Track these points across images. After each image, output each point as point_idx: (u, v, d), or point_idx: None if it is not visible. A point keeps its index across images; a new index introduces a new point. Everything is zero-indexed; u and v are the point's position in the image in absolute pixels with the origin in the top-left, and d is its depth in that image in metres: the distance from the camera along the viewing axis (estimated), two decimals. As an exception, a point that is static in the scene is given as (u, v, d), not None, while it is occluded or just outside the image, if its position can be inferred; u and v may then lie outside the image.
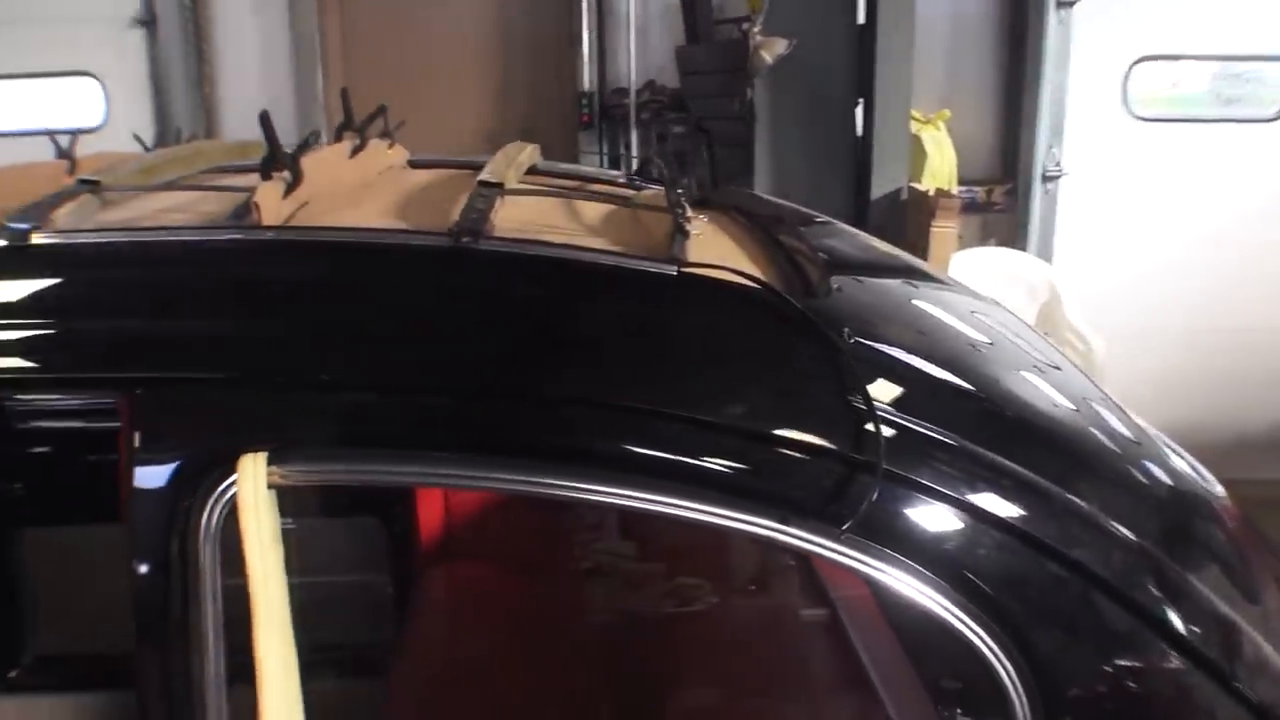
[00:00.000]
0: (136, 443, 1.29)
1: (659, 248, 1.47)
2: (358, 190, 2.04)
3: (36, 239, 1.49)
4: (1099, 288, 5.45)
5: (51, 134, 2.34)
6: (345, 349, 1.36)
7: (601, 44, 5.73)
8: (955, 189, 5.48)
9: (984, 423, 1.32)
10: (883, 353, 1.35)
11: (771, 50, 5.00)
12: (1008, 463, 1.23)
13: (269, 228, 1.48)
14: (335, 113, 5.99)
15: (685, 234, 1.49)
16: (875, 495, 1.14)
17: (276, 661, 1.22)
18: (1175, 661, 1.24)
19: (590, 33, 5.60)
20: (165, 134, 5.83)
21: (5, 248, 1.46)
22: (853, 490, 1.16)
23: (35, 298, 1.47)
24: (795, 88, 4.97)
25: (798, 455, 1.21)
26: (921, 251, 4.43)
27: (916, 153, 5.31)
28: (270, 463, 1.22)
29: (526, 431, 1.28)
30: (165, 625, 1.25)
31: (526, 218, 1.68)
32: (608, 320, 1.40)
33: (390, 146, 2.62)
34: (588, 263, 1.44)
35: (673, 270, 1.38)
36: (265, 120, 1.68)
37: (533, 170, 2.56)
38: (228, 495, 1.23)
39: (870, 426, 1.17)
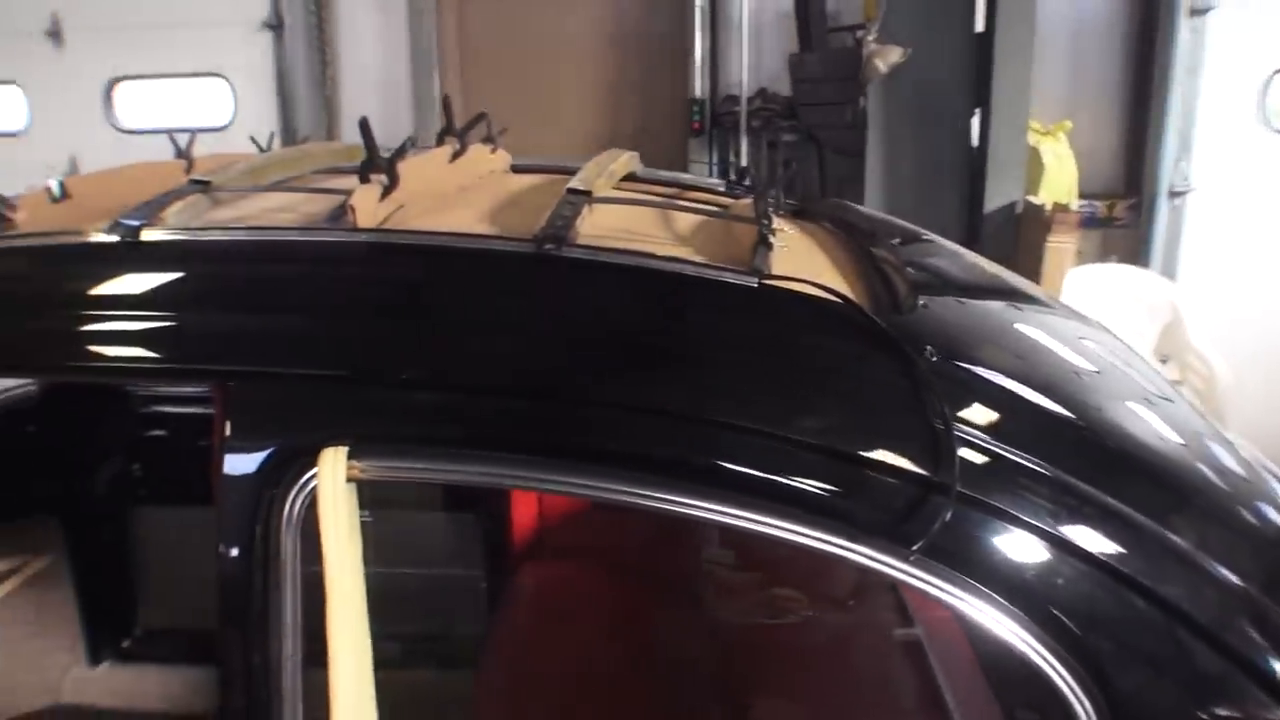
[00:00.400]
0: (228, 431, 1.34)
1: (745, 259, 1.45)
2: (455, 194, 2.08)
3: (146, 235, 1.56)
4: (1227, 310, 5.21)
5: (173, 134, 2.43)
6: (426, 349, 1.38)
7: (714, 51, 5.71)
8: (1075, 203, 5.31)
9: (1078, 452, 1.27)
10: (969, 373, 1.32)
11: (885, 58, 4.92)
12: (1101, 495, 1.19)
13: (362, 230, 1.52)
14: (453, 115, 6.13)
15: (769, 245, 1.48)
16: (947, 517, 1.12)
17: (349, 648, 1.26)
18: (1275, 713, 1.17)
19: (703, 39, 5.59)
20: (288, 133, 6.04)
21: (118, 243, 1.54)
22: (925, 511, 1.14)
23: (143, 290, 1.54)
24: (909, 96, 4.88)
25: (869, 472, 1.19)
26: (1035, 267, 4.31)
27: (1034, 165, 5.16)
28: (350, 457, 1.26)
29: (598, 438, 1.28)
30: (246, 607, 1.30)
31: (615, 225, 1.68)
32: (685, 329, 1.39)
33: (493, 151, 2.66)
34: (668, 271, 1.42)
35: (754, 282, 1.37)
36: (364, 126, 1.72)
37: (631, 177, 2.58)
38: (310, 486, 1.27)
39: (946, 447, 1.15)
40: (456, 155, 2.25)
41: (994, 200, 4.81)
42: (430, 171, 2.12)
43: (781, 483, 1.20)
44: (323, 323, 1.44)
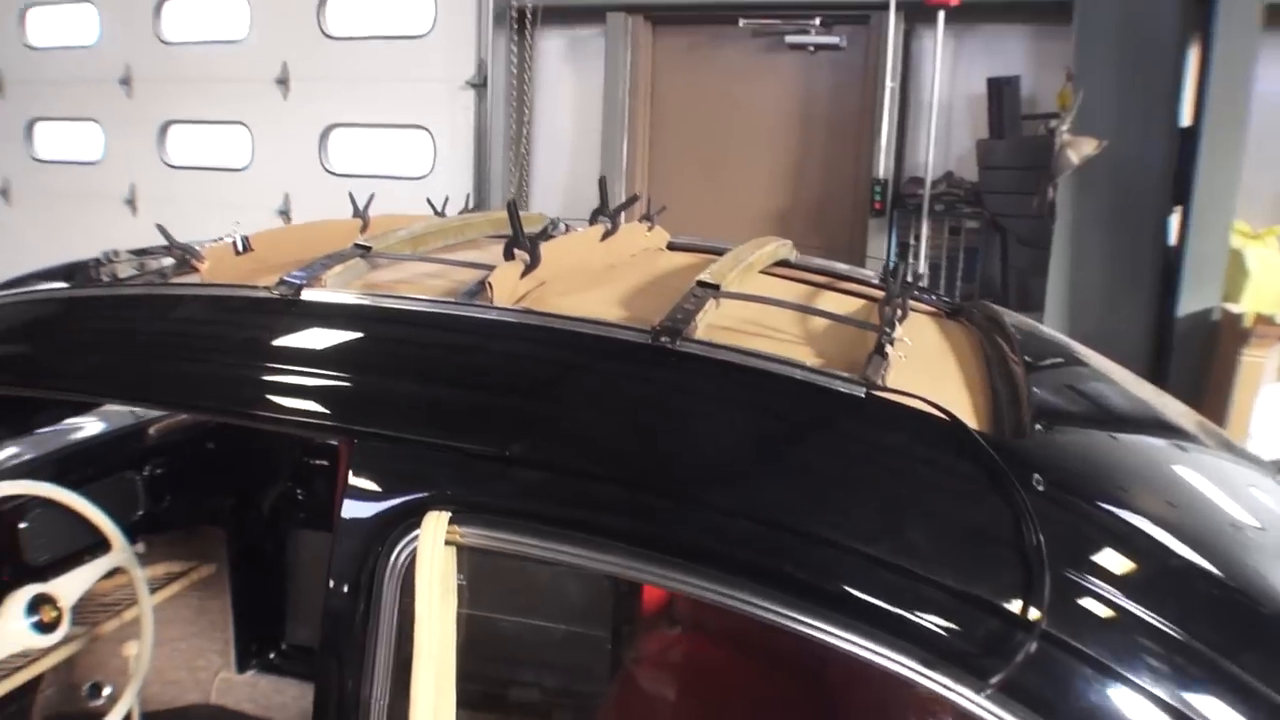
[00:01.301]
0: (348, 481, 1.43)
1: (863, 363, 1.43)
2: (601, 272, 2.14)
3: (305, 294, 1.68)
4: None
5: (355, 203, 2.58)
6: (536, 428, 1.43)
7: (901, 131, 5.66)
8: (1280, 314, 4.97)
9: (1209, 613, 1.17)
10: (1084, 509, 1.25)
11: (1079, 150, 4.76)
12: (1230, 665, 1.09)
13: (494, 307, 1.61)
14: (636, 178, 6.29)
15: (884, 355, 1.46)
16: (1029, 654, 1.05)
17: (428, 701, 1.31)
18: None
19: (890, 120, 5.54)
20: (480, 187, 6.31)
21: (280, 299, 1.68)
22: (1008, 646, 1.07)
23: (294, 345, 1.67)
24: (1103, 190, 4.70)
25: (953, 599, 1.13)
26: (1228, 382, 4.04)
27: (1237, 270, 4.85)
28: (453, 522, 1.32)
29: (688, 534, 1.28)
30: (344, 644, 1.38)
31: (745, 315, 1.70)
32: (785, 433, 1.38)
33: (649, 229, 2.71)
34: (776, 373, 1.42)
35: (861, 391, 1.35)
36: (511, 208, 1.81)
37: (784, 263, 2.58)
38: (413, 545, 1.34)
39: (1037, 582, 1.09)
40: (607, 235, 2.32)
41: (1188, 305, 4.55)
42: (578, 250, 2.20)
43: (861, 598, 1.16)
44: (443, 393, 1.53)
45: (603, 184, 2.42)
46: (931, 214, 5.54)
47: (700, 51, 6.11)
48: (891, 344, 1.50)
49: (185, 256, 1.97)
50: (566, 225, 3.15)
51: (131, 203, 7.87)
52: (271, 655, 2.90)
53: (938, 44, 5.46)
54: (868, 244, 5.61)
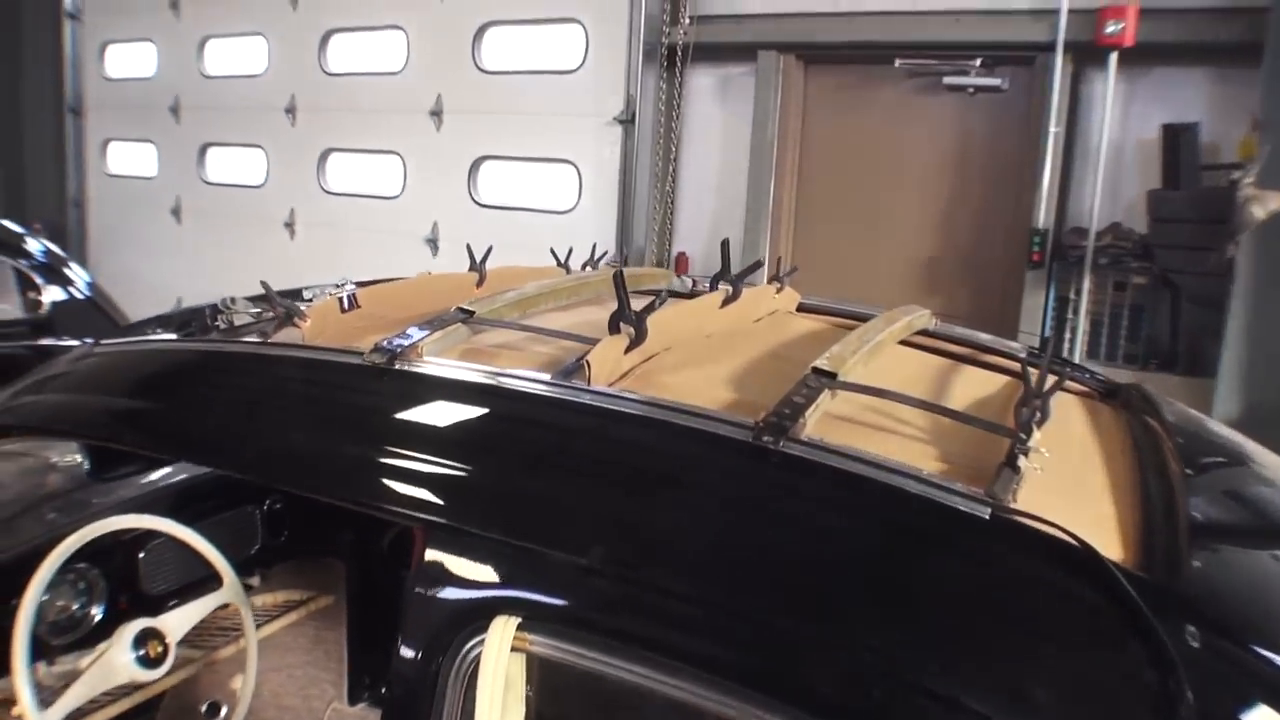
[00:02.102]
0: (419, 567, 1.38)
1: (991, 472, 1.28)
2: (720, 342, 2.02)
3: (399, 363, 1.62)
4: None
5: (469, 254, 2.53)
6: (619, 534, 1.33)
7: (1064, 179, 5.35)
8: None
9: None
10: (1251, 669, 1.07)
11: (1265, 205, 4.41)
12: None
13: (588, 390, 1.52)
14: (782, 221, 6.16)
15: (1015, 469, 1.29)
16: None
17: None
18: None
19: (1053, 166, 5.25)
20: (624, 222, 6.28)
21: (370, 368, 1.63)
22: None
23: (379, 419, 1.62)
24: (1289, 249, 4.34)
25: None
26: None
27: None
28: (521, 628, 1.25)
29: (777, 668, 1.16)
30: None
31: (866, 401, 1.58)
32: (892, 559, 1.24)
33: (779, 291, 2.58)
34: (888, 485, 1.28)
35: (985, 512, 1.20)
36: (618, 279, 1.71)
37: (924, 332, 2.41)
38: (479, 648, 1.28)
39: None
40: (729, 300, 2.20)
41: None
42: (694, 318, 2.08)
43: None
44: (524, 484, 1.43)
45: (725, 247, 2.30)
46: (1095, 267, 5.22)
47: (852, 91, 5.95)
48: (1026, 454, 1.33)
49: (288, 314, 1.95)
50: (694, 281, 3.04)
51: (290, 226, 8.16)
52: (384, 690, 2.89)
53: (1108, 87, 5.17)
54: (1024, 297, 5.33)
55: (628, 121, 6.36)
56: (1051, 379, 1.54)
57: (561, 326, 1.96)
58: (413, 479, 1.46)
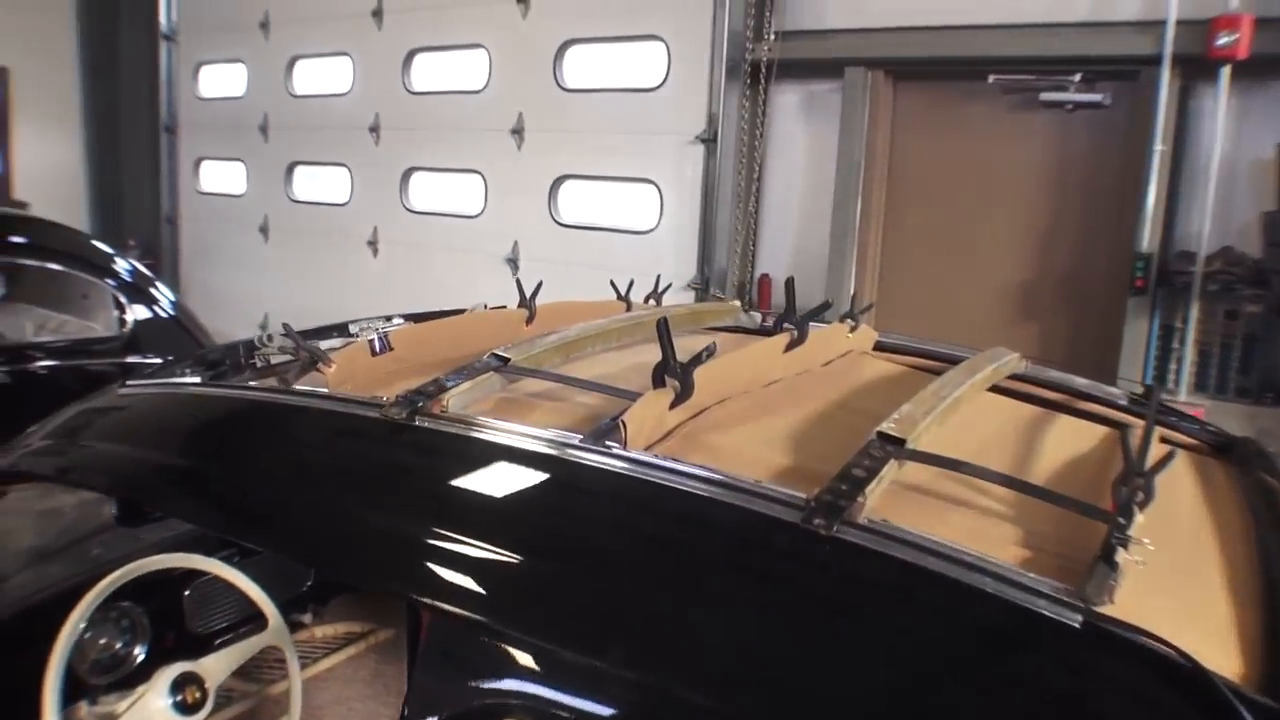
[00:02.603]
0: (423, 652, 1.28)
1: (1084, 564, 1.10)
2: (780, 394, 1.86)
3: (419, 419, 1.50)
4: None
5: (518, 289, 2.42)
6: (642, 630, 1.18)
7: (1170, 200, 5.05)
8: None
9: None
10: None
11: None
12: None
13: (622, 455, 1.38)
14: (869, 243, 5.95)
15: (1112, 565, 1.11)
16: None
17: None
18: None
19: (1158, 186, 4.95)
20: (706, 242, 6.14)
21: (385, 423, 1.51)
22: None
23: (388, 483, 1.49)
24: None
25: None
26: None
27: None
28: None
29: None
30: None
31: (936, 472, 1.39)
32: (959, 672, 1.07)
33: (852, 330, 2.41)
34: (958, 584, 1.11)
35: (1074, 620, 1.03)
36: (662, 327, 1.56)
37: (1014, 377, 2.23)
38: None
39: None
40: (793, 345, 2.04)
41: None
42: (752, 366, 1.92)
43: None
44: (538, 569, 1.28)
45: (789, 286, 2.14)
46: (1203, 294, 4.91)
47: (944, 109, 5.72)
48: (1125, 546, 1.15)
49: (312, 358, 1.85)
50: (765, 316, 2.88)
51: (373, 244, 8.19)
52: None
53: (1220, 102, 4.86)
54: (1125, 326, 5.03)
55: (710, 140, 6.22)
56: (1157, 449, 1.34)
57: (609, 372, 1.82)
58: (419, 556, 1.34)
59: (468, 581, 1.28)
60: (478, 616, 1.26)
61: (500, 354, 1.77)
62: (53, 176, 9.91)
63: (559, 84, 6.96)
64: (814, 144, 6.19)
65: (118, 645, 2.31)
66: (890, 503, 1.28)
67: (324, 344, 2.10)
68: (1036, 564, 1.18)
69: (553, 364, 1.89)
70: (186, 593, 2.36)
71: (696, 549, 1.27)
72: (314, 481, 1.56)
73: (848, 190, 5.89)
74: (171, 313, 5.81)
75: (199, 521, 1.84)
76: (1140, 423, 2.07)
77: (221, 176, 9.64)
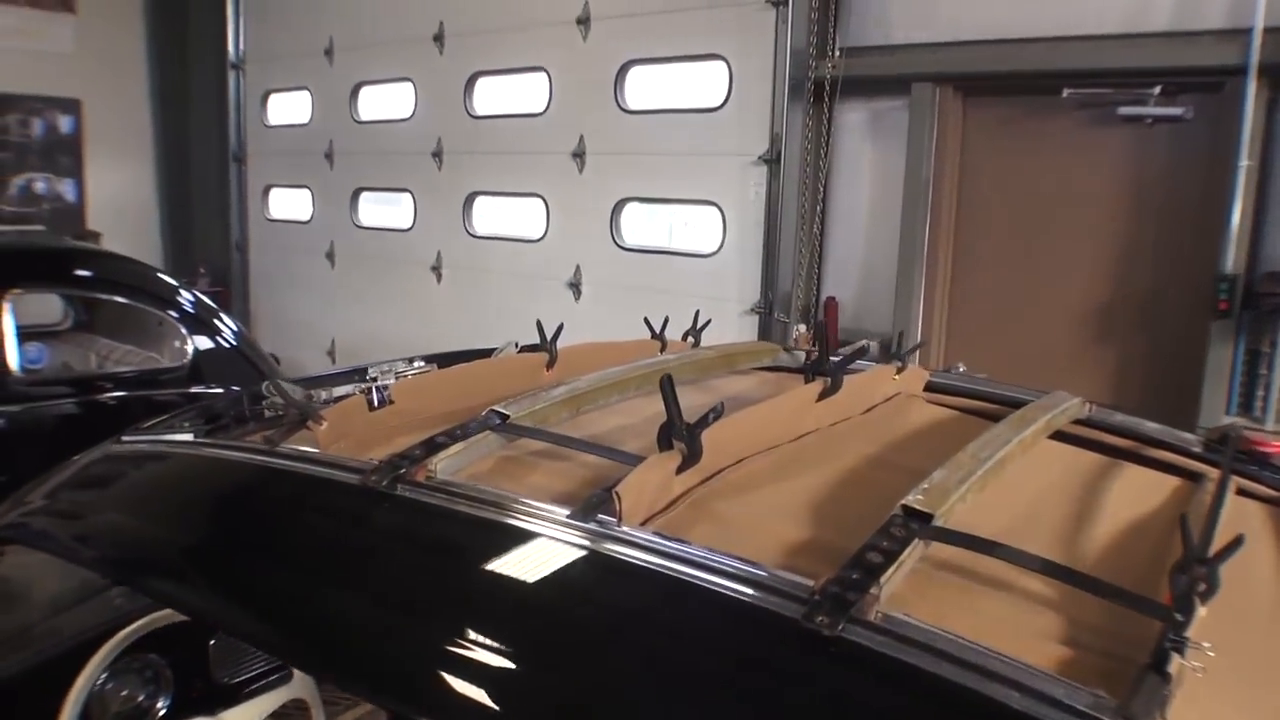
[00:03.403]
0: None
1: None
2: (807, 451, 1.73)
3: (401, 488, 1.42)
4: None
5: (539, 331, 2.33)
6: None
7: (1257, 218, 4.80)
8: None
9: None
10: None
11: None
12: None
13: (612, 533, 1.26)
14: (938, 263, 5.77)
15: (1164, 676, 0.97)
16: None
17: None
18: None
19: (1244, 204, 4.71)
20: (769, 264, 6.02)
21: (363, 491, 1.43)
22: None
23: (363, 561, 1.39)
24: None
25: None
26: None
27: None
28: None
29: None
30: None
31: (996, 526, 1.26)
32: None
33: (899, 371, 2.27)
34: (980, 698, 0.97)
35: None
36: (666, 385, 1.45)
37: (1080, 422, 2.08)
38: None
39: None
40: (826, 394, 1.91)
41: None
42: (781, 420, 1.79)
43: None
44: (494, 669, 1.15)
45: (820, 330, 2.02)
46: (1295, 317, 4.66)
47: (1016, 125, 5.53)
48: (1182, 651, 1.00)
49: (302, 415, 1.75)
50: (808, 354, 2.73)
51: (437, 270, 8.20)
52: None
53: (1310, 114, 4.63)
54: (1208, 350, 4.80)
55: (773, 160, 6.09)
56: (1229, 529, 1.18)
57: (625, 425, 1.71)
58: (381, 649, 1.24)
59: (423, 678, 1.19)
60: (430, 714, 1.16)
61: (500, 410, 1.67)
62: (126, 206, 10.12)
63: (620, 105, 6.90)
64: (881, 163, 6.04)
65: (140, 697, 2.29)
66: (914, 586, 1.15)
67: (339, 391, 2.02)
68: (1081, 666, 1.04)
69: (560, 419, 1.77)
70: (211, 642, 2.31)
71: (681, 653, 1.14)
72: (285, 560, 1.47)
73: (915, 210, 5.73)
74: (234, 343, 5.88)
75: (164, 602, 1.77)
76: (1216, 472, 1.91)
77: (289, 204, 9.75)
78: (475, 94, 7.88)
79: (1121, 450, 2.07)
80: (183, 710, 2.25)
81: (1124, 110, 5.08)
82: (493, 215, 7.98)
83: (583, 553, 1.26)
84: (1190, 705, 0.97)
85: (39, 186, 9.85)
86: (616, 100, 6.90)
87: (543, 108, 7.35)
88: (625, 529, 1.29)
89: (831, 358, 1.96)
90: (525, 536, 1.32)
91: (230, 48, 9.80)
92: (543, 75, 7.32)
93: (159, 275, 5.93)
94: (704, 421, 1.46)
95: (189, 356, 5.58)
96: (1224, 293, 4.73)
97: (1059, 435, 2.04)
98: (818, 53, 5.89)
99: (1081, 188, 5.32)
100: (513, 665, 1.17)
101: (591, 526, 1.29)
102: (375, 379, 1.97)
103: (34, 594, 2.45)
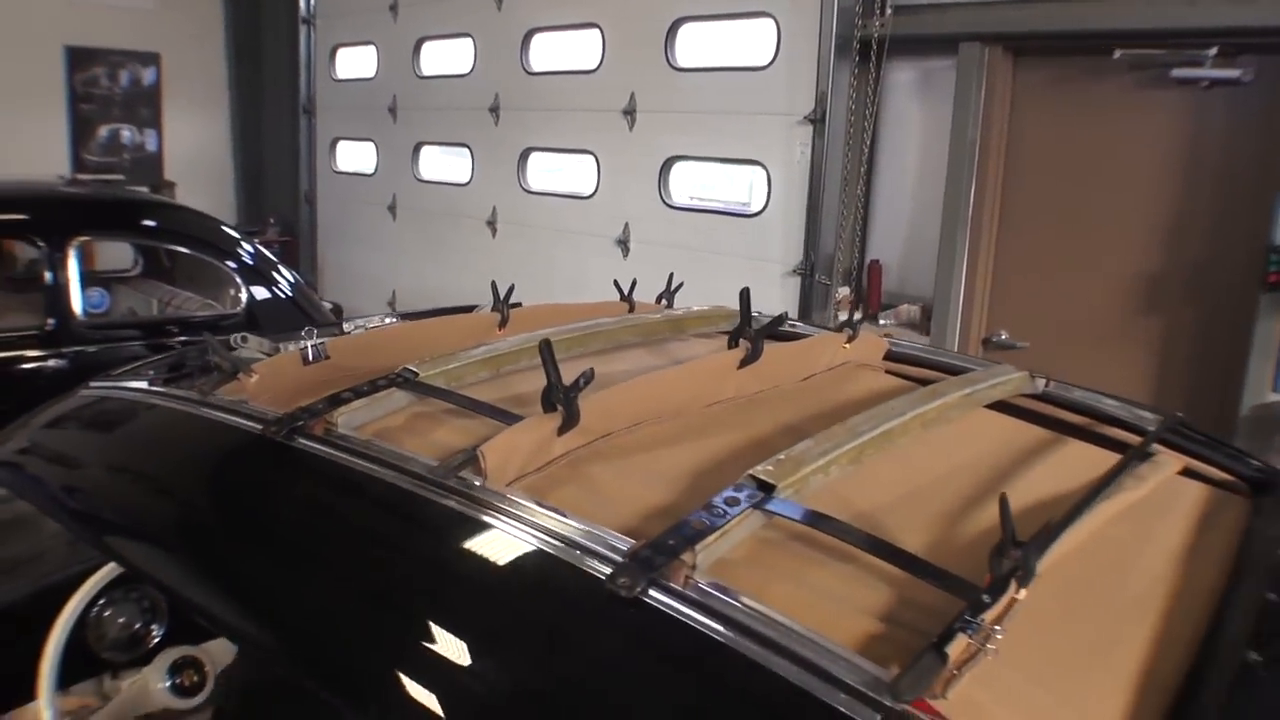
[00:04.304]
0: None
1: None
2: (720, 415, 1.72)
3: (300, 439, 1.45)
4: None
5: (493, 291, 2.34)
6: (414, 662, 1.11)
7: (1315, 187, 4.58)
8: None
9: None
10: None
11: None
12: None
13: (466, 493, 1.28)
14: (983, 228, 5.63)
15: (943, 656, 0.96)
16: None
17: None
18: None
19: (1301, 173, 4.50)
20: (812, 225, 5.95)
21: (270, 442, 1.47)
22: None
23: (250, 508, 1.45)
24: None
25: None
26: None
27: None
28: None
29: None
30: None
31: (847, 507, 1.29)
32: None
33: (850, 340, 2.20)
34: (752, 666, 0.98)
35: (873, 718, 0.92)
36: (545, 350, 1.47)
37: (1039, 397, 2.01)
38: None
39: None
40: (746, 361, 1.88)
41: None
42: (685, 386, 1.78)
43: None
44: (336, 611, 1.21)
45: (744, 297, 1.98)
46: (1350, 291, 4.45)
47: (1066, 86, 5.33)
48: (972, 632, 0.99)
49: (233, 368, 1.82)
50: (795, 324, 2.67)
51: (492, 224, 8.27)
52: None
53: (1377, 78, 4.37)
54: (1256, 324, 4.60)
55: (818, 120, 5.99)
56: (1147, 508, 1.16)
57: (541, 388, 1.75)
58: (245, 591, 1.32)
59: (261, 615, 1.26)
60: (281, 658, 1.23)
61: (411, 368, 1.71)
62: (201, 157, 10.39)
63: (670, 63, 6.84)
64: (930, 125, 5.89)
65: (136, 625, 2.40)
66: (754, 556, 1.16)
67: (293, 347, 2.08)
68: (890, 643, 1.04)
69: (477, 378, 1.80)
70: None
71: (487, 601, 1.19)
72: (187, 504, 1.54)
73: (961, 173, 5.58)
74: (290, 294, 6.05)
75: (80, 538, 1.86)
76: (1169, 452, 1.85)
77: (354, 156, 9.90)
78: (531, 50, 7.88)
79: (1070, 425, 2.02)
80: (177, 639, 2.36)
81: (1178, 73, 4.86)
82: (546, 171, 8.01)
83: (436, 508, 1.30)
84: (983, 687, 0.96)
85: (125, 136, 10.17)
86: (667, 58, 6.85)
87: (596, 64, 7.32)
88: (481, 487, 1.33)
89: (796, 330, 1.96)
90: (391, 492, 1.36)
91: (301, 2, 9.94)
92: (595, 31, 7.28)
93: (221, 227, 6.13)
94: (576, 385, 1.48)
95: (243, 305, 5.78)
96: (1275, 265, 4.52)
97: (1004, 409, 1.99)
98: (864, 10, 5.74)
99: (1131, 153, 5.12)
100: (337, 608, 1.24)
101: (451, 483, 1.33)
102: (351, 331, 2.03)
103: (46, 525, 2.59)
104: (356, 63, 9.69)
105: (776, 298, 6.18)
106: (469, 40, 8.34)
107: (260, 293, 5.82)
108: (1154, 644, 1.15)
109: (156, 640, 2.41)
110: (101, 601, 2.32)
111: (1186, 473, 1.84)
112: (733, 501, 1.22)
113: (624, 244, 7.20)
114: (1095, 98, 5.22)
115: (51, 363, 4.99)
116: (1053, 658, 1.08)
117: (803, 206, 6.17)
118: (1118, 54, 4.98)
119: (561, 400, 1.45)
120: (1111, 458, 1.73)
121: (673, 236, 6.84)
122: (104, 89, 10.05)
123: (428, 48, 8.89)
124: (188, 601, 1.45)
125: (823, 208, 6.07)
